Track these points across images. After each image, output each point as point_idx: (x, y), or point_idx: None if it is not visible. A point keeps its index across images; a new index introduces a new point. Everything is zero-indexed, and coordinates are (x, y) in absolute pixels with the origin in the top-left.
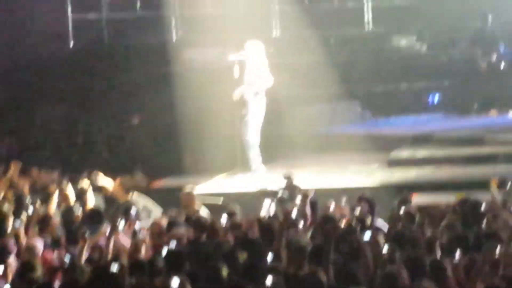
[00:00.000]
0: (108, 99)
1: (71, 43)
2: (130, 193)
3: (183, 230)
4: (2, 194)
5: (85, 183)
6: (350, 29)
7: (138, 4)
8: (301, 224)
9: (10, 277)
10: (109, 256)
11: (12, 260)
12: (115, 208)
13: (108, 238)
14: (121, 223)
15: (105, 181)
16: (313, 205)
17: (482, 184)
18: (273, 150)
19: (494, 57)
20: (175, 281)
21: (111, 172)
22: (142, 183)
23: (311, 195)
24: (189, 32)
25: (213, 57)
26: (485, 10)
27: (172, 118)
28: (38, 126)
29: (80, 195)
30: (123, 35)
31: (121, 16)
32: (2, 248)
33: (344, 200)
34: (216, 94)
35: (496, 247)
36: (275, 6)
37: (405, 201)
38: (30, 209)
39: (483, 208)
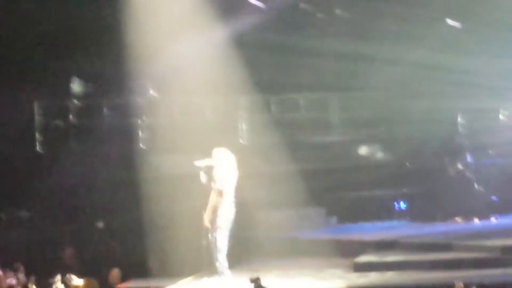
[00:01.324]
0: (74, 202)
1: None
2: None
3: None
4: None
5: (59, 284)
6: (317, 137)
7: (105, 111)
8: None
9: None
10: None
11: None
12: None
13: None
14: None
15: (77, 282)
16: None
17: None
18: (238, 253)
19: (460, 166)
20: None
21: (77, 275)
22: (115, 281)
23: None
24: (156, 139)
25: (180, 163)
26: (453, 119)
27: (138, 221)
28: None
29: None
30: (90, 142)
31: (88, 123)
32: None
33: None
34: (183, 199)
35: None
36: (242, 114)
37: None
38: None
39: None
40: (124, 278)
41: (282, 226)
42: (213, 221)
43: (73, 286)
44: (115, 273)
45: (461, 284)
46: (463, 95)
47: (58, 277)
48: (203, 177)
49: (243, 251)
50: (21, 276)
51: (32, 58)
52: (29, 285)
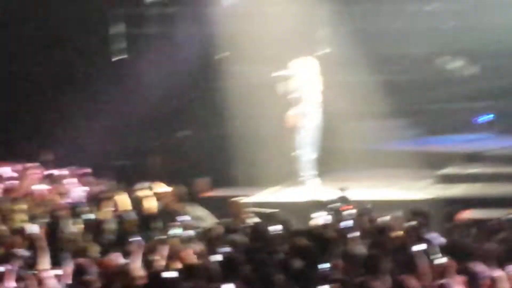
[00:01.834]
0: (160, 111)
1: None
2: (183, 203)
3: (238, 237)
4: (57, 199)
5: (143, 190)
6: (403, 49)
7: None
8: (356, 235)
9: (68, 279)
10: (164, 261)
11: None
12: (168, 215)
13: (162, 244)
14: (175, 230)
15: (162, 190)
16: (369, 216)
17: None
18: (325, 164)
19: None
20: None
21: (164, 182)
22: (202, 189)
23: (366, 206)
24: (236, 49)
25: (260, 73)
26: None
27: (223, 131)
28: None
29: (138, 202)
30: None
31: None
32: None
33: (398, 212)
34: (268, 108)
35: None
36: (325, 23)
37: (457, 215)
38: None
39: None
40: (210, 187)
41: (368, 137)
42: (301, 129)
43: (160, 193)
44: (202, 181)
45: None
46: None
47: (146, 184)
48: (280, 88)
49: (328, 162)
50: (110, 183)
51: None
52: (117, 191)
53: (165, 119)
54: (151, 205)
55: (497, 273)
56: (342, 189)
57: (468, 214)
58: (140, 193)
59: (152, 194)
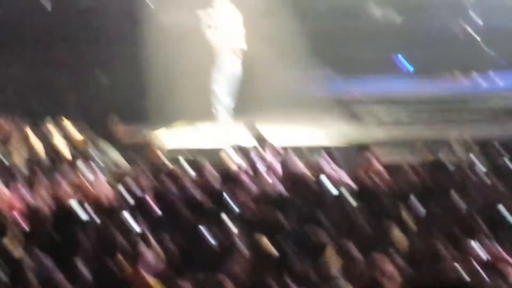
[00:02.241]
0: (75, 50)
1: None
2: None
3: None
4: None
5: (51, 127)
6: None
7: None
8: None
9: None
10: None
11: None
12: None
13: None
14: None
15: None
16: (282, 159)
17: (445, 144)
18: (240, 107)
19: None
20: None
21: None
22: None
23: (279, 149)
24: None
25: (185, 18)
26: None
27: (139, 70)
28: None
29: (47, 139)
30: None
31: None
32: None
33: (311, 156)
34: (187, 53)
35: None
36: None
37: (370, 158)
38: None
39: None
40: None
41: (286, 83)
42: (215, 70)
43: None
44: (116, 120)
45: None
46: None
47: (50, 120)
48: (207, 31)
49: (244, 106)
50: (19, 121)
51: None
52: (26, 128)
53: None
54: (60, 141)
55: None
56: (255, 131)
57: (379, 158)
58: (49, 130)
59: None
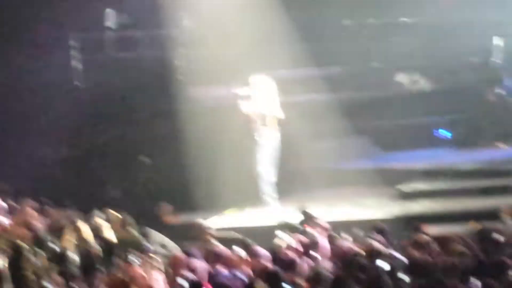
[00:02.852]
0: (117, 141)
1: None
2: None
3: (200, 262)
4: (19, 232)
5: (98, 218)
6: (356, 66)
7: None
8: (319, 256)
9: None
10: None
11: None
12: (127, 243)
13: (126, 271)
14: (138, 258)
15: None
16: (331, 237)
17: (494, 215)
18: (285, 184)
19: (499, 90)
20: None
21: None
22: (165, 215)
23: (327, 227)
24: (194, 72)
25: (219, 94)
26: (489, 45)
27: (180, 155)
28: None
29: (97, 231)
30: (128, 74)
31: (126, 55)
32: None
33: (360, 232)
34: (225, 130)
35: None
36: (280, 45)
37: (418, 231)
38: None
39: (499, 236)
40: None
41: (327, 156)
42: (257, 151)
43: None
44: (166, 207)
45: (509, 210)
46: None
47: (98, 212)
48: (242, 105)
49: (289, 183)
50: (69, 212)
51: None
52: (76, 220)
53: (123, 145)
54: (110, 233)
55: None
56: (302, 210)
57: (428, 231)
58: (98, 222)
59: (110, 223)
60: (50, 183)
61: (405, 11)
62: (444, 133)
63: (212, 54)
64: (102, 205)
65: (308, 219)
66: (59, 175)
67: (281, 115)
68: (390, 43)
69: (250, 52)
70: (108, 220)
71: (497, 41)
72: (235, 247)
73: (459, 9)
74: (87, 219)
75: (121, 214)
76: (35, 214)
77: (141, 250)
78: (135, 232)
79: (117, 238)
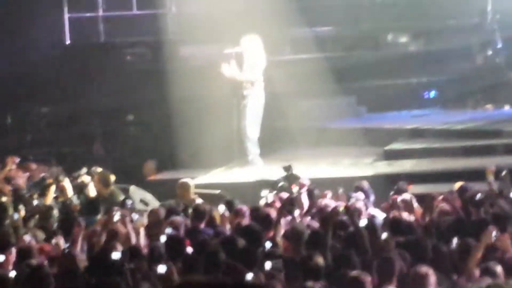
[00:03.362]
0: (103, 96)
1: (68, 40)
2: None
3: (180, 219)
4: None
5: (85, 176)
6: (346, 27)
7: (134, 3)
8: (297, 212)
9: (11, 265)
10: (105, 243)
11: (12, 250)
12: (109, 199)
13: (104, 226)
14: (117, 213)
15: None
16: (310, 193)
17: (478, 174)
18: (270, 142)
19: (490, 52)
20: (161, 268)
21: (107, 168)
22: (149, 172)
23: (307, 184)
24: (184, 30)
25: (209, 53)
26: (483, 6)
27: (168, 114)
28: (34, 123)
29: (81, 188)
30: (118, 33)
31: (116, 14)
32: (4, 237)
33: (341, 189)
34: (212, 90)
35: (491, 233)
36: (271, 4)
37: (401, 191)
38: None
39: (480, 195)
40: (156, 170)
41: (312, 115)
42: (243, 110)
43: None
44: (150, 164)
45: (493, 168)
46: None
47: (84, 170)
48: (233, 65)
49: (273, 141)
50: (54, 169)
51: None
52: (60, 177)
53: (109, 102)
54: (93, 190)
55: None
56: (286, 168)
57: (412, 190)
58: (86, 178)
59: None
60: (37, 140)
61: None
62: (432, 94)
63: (203, 12)
64: (86, 162)
65: (290, 176)
66: (46, 133)
67: (263, 75)
68: (381, 4)
69: (241, 11)
70: (92, 177)
71: (492, 2)
72: (217, 204)
73: None
74: (72, 176)
75: (104, 171)
76: (17, 169)
77: (122, 206)
78: (117, 189)
79: (100, 194)
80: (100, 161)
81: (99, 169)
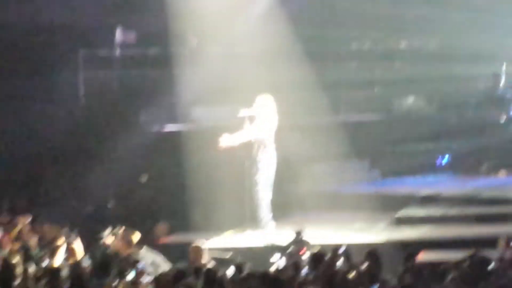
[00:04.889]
0: (117, 157)
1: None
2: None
3: (190, 282)
4: (10, 247)
5: (109, 237)
6: (359, 90)
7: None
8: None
9: None
10: None
11: None
12: (122, 261)
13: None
14: (130, 275)
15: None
16: (320, 258)
17: (490, 243)
18: (282, 206)
19: (504, 118)
20: None
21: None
22: (161, 235)
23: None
24: (198, 92)
25: (223, 114)
26: (497, 72)
27: (181, 176)
28: (48, 183)
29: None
30: (133, 95)
31: (131, 74)
32: None
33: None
34: (225, 152)
35: None
36: (285, 68)
37: (412, 257)
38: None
39: (492, 264)
40: (169, 232)
41: (325, 179)
42: (255, 173)
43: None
44: (162, 226)
45: (505, 239)
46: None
47: (108, 230)
48: (247, 127)
49: (285, 205)
50: (65, 230)
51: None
52: (71, 238)
53: (123, 162)
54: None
55: None
56: (298, 233)
57: (423, 257)
58: (106, 239)
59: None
60: (49, 199)
61: (413, 35)
62: (445, 159)
63: (216, 73)
64: (100, 223)
65: (300, 241)
66: (59, 192)
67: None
68: (394, 68)
69: (255, 72)
70: (116, 236)
71: (507, 67)
72: (227, 267)
73: (467, 34)
74: (97, 236)
75: (129, 231)
76: (29, 229)
77: (135, 267)
78: (136, 251)
79: (119, 253)
80: (112, 222)
81: (122, 228)
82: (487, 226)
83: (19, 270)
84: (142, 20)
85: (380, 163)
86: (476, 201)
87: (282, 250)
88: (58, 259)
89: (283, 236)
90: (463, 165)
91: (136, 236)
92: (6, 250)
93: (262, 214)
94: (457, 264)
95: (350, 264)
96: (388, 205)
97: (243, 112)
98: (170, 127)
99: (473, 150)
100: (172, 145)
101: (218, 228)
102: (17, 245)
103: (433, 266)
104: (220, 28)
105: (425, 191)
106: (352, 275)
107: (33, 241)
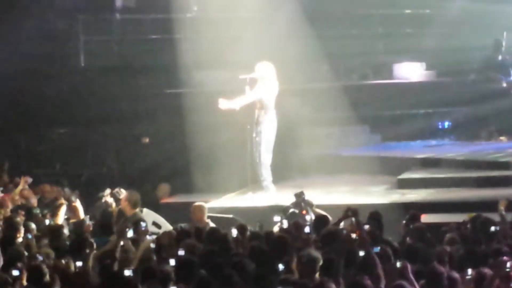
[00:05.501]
0: (118, 119)
1: (83, 64)
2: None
3: (193, 241)
4: (11, 207)
5: (108, 197)
6: (361, 55)
7: (149, 27)
8: (311, 238)
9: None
10: (117, 263)
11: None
12: (124, 220)
13: (116, 246)
14: (130, 233)
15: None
16: (323, 220)
17: (491, 206)
18: (283, 170)
19: (505, 84)
20: None
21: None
22: (163, 195)
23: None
24: (199, 55)
25: (223, 78)
26: (498, 37)
27: (182, 138)
28: (49, 144)
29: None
30: (133, 57)
31: (132, 38)
32: (16, 255)
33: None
34: (226, 116)
35: (506, 263)
36: (286, 31)
37: (414, 219)
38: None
39: (493, 227)
40: (170, 193)
41: (326, 143)
42: (256, 135)
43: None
44: (164, 187)
45: (505, 201)
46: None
47: (108, 191)
48: (247, 91)
49: (286, 168)
50: (66, 190)
51: None
52: (72, 198)
53: (125, 125)
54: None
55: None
56: (298, 194)
57: (424, 219)
58: (106, 199)
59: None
60: (50, 161)
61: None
62: (446, 124)
63: (218, 38)
64: (100, 184)
65: (302, 202)
66: (59, 154)
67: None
68: (397, 34)
69: (256, 37)
70: (115, 198)
71: (508, 35)
72: (229, 228)
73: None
74: (97, 196)
75: (134, 193)
76: (30, 189)
77: (135, 228)
78: (140, 212)
79: (123, 213)
80: (114, 183)
81: (123, 191)
82: (487, 189)
83: (21, 228)
84: None
85: (381, 127)
86: (476, 165)
87: (284, 210)
88: (60, 218)
89: (285, 197)
90: (464, 131)
91: (137, 197)
92: (8, 209)
93: (263, 176)
94: (459, 226)
95: (356, 225)
96: (389, 168)
97: (243, 76)
98: (171, 91)
99: (473, 116)
100: (173, 108)
101: (219, 190)
102: (18, 204)
103: (434, 228)
104: None
105: (427, 155)
106: (354, 235)
107: (34, 200)
